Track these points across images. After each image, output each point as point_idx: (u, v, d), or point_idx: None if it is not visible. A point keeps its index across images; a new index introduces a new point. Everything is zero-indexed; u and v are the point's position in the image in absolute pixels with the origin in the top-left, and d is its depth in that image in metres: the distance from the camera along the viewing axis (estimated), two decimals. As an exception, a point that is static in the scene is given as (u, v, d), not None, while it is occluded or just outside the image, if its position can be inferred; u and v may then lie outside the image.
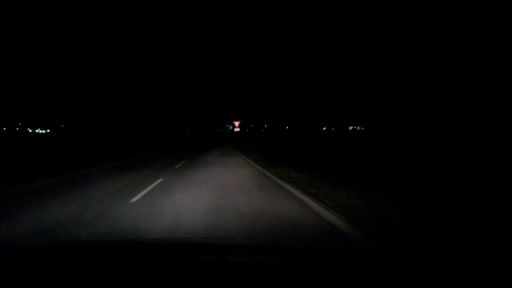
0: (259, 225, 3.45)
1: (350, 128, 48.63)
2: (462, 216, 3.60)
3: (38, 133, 68.33)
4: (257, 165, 9.67)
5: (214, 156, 13.31)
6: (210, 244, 1.51)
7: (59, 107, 47.93)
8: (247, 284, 0.89)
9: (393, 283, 0.93)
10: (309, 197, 4.70)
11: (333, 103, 37.50)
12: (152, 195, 5.09)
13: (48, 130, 71.01)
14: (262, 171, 8.29)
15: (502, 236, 2.98)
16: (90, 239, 3.10)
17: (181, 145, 25.94)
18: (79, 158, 11.72)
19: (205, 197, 4.91)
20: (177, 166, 9.40)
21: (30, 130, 67.15)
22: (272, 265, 1.11)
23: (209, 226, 3.39)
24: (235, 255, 1.25)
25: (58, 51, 42.43)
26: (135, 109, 54.47)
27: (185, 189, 5.66)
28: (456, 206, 4.03)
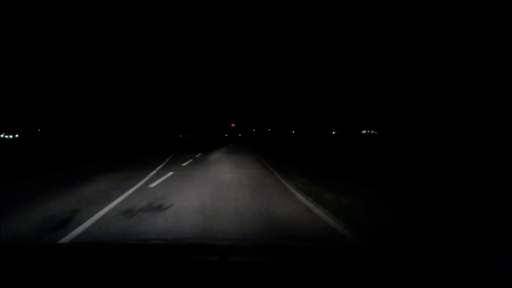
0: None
1: (364, 132, 47.55)
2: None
3: (4, 138, 61.37)
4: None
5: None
6: (210, 245, 1.55)
7: (37, 110, 45.92)
8: (247, 285, 0.90)
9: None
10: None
11: (343, 106, 36.94)
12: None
13: (17, 135, 64.02)
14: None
15: (501, 236, 2.91)
16: (90, 239, 3.13)
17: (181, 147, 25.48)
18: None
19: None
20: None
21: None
22: (272, 266, 1.11)
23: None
24: (235, 255, 1.27)
25: (49, 50, 42.22)
26: (131, 112, 53.25)
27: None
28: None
